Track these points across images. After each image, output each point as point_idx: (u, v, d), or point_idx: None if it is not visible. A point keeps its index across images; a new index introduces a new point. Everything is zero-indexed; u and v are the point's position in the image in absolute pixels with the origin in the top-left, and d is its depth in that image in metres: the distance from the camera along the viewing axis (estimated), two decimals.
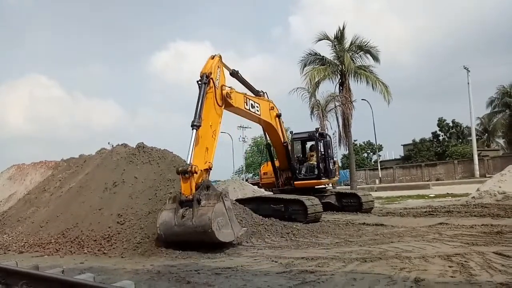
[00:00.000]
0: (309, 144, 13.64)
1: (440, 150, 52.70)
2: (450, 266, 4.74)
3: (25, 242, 8.40)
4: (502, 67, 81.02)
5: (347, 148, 25.36)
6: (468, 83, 38.08)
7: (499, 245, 5.91)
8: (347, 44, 24.20)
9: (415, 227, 8.44)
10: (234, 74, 10.05)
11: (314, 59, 24.53)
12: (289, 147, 12.48)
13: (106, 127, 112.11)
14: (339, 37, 24.16)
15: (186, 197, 6.92)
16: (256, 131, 57.46)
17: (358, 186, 26.40)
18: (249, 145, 58.02)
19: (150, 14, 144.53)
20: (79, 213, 8.85)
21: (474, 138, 38.91)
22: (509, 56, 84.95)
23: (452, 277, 4.31)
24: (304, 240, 7.66)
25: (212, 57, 8.72)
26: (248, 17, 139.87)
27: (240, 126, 55.33)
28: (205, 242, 6.64)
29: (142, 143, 10.67)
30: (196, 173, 7.14)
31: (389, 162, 55.01)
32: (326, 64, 24.15)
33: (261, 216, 9.37)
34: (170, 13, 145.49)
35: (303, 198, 10.51)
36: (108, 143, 12.19)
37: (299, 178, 12.44)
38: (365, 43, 23.74)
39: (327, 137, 14.00)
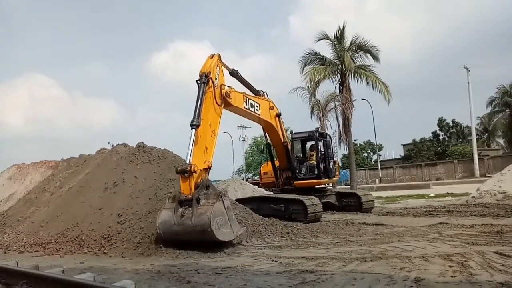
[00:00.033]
0: (309, 143, 13.63)
1: (440, 149, 52.74)
2: (450, 266, 4.74)
3: (25, 242, 8.41)
4: (502, 67, 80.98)
5: (347, 148, 25.44)
6: (468, 83, 38.11)
7: (499, 245, 5.91)
8: (347, 43, 24.28)
9: (415, 227, 8.44)
10: (234, 73, 10.01)
11: (314, 59, 24.58)
12: (289, 147, 12.46)
13: (106, 127, 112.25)
14: (339, 37, 24.19)
15: (186, 196, 6.93)
16: (256, 130, 57.75)
17: (358, 186, 26.42)
18: (249, 144, 58.20)
19: (150, 14, 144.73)
20: (79, 213, 8.86)
21: (474, 137, 38.89)
22: (509, 56, 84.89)
23: (452, 276, 4.30)
24: (304, 240, 7.66)
25: (211, 57, 8.71)
26: (247, 16, 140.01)
27: (240, 126, 55.40)
28: (205, 241, 6.64)
29: (142, 142, 10.67)
30: (196, 172, 7.14)
31: (389, 161, 55.11)
32: (326, 64, 24.18)
33: (261, 216, 9.37)
34: (170, 12, 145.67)
35: (303, 197, 10.50)
36: (108, 142, 12.18)
37: (299, 178, 12.43)
38: (365, 43, 23.84)
39: (327, 136, 13.96)
